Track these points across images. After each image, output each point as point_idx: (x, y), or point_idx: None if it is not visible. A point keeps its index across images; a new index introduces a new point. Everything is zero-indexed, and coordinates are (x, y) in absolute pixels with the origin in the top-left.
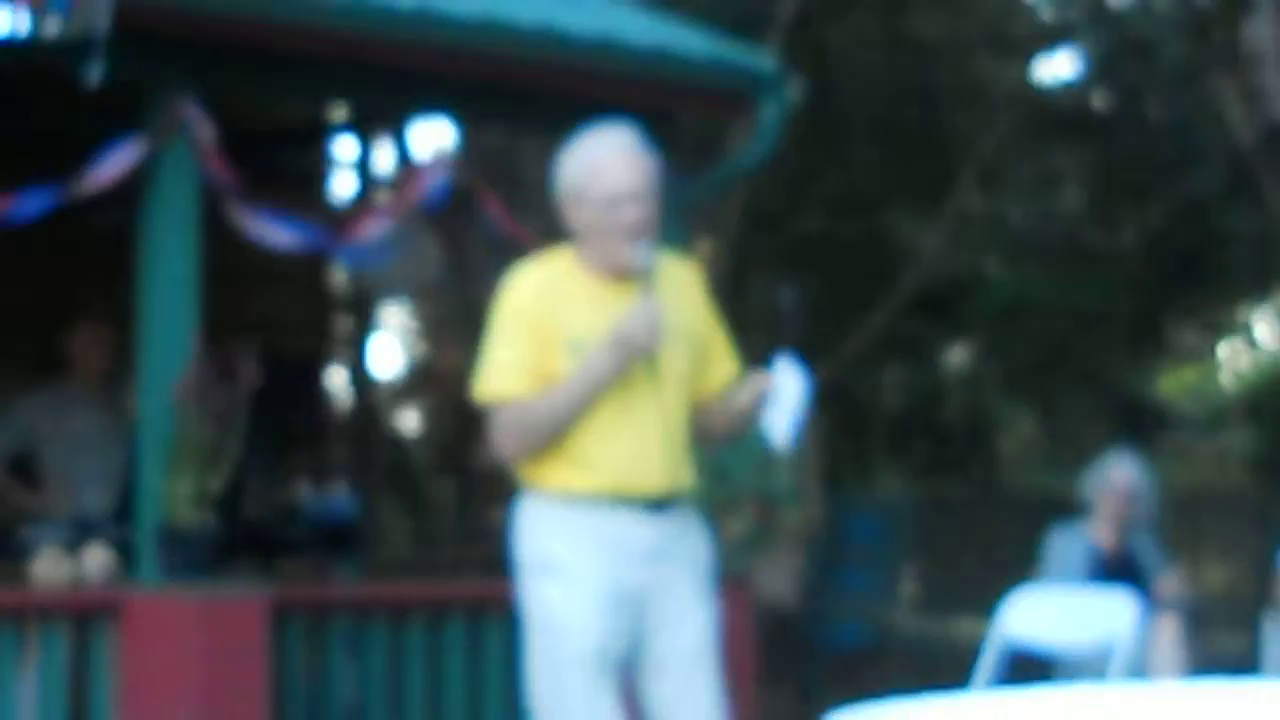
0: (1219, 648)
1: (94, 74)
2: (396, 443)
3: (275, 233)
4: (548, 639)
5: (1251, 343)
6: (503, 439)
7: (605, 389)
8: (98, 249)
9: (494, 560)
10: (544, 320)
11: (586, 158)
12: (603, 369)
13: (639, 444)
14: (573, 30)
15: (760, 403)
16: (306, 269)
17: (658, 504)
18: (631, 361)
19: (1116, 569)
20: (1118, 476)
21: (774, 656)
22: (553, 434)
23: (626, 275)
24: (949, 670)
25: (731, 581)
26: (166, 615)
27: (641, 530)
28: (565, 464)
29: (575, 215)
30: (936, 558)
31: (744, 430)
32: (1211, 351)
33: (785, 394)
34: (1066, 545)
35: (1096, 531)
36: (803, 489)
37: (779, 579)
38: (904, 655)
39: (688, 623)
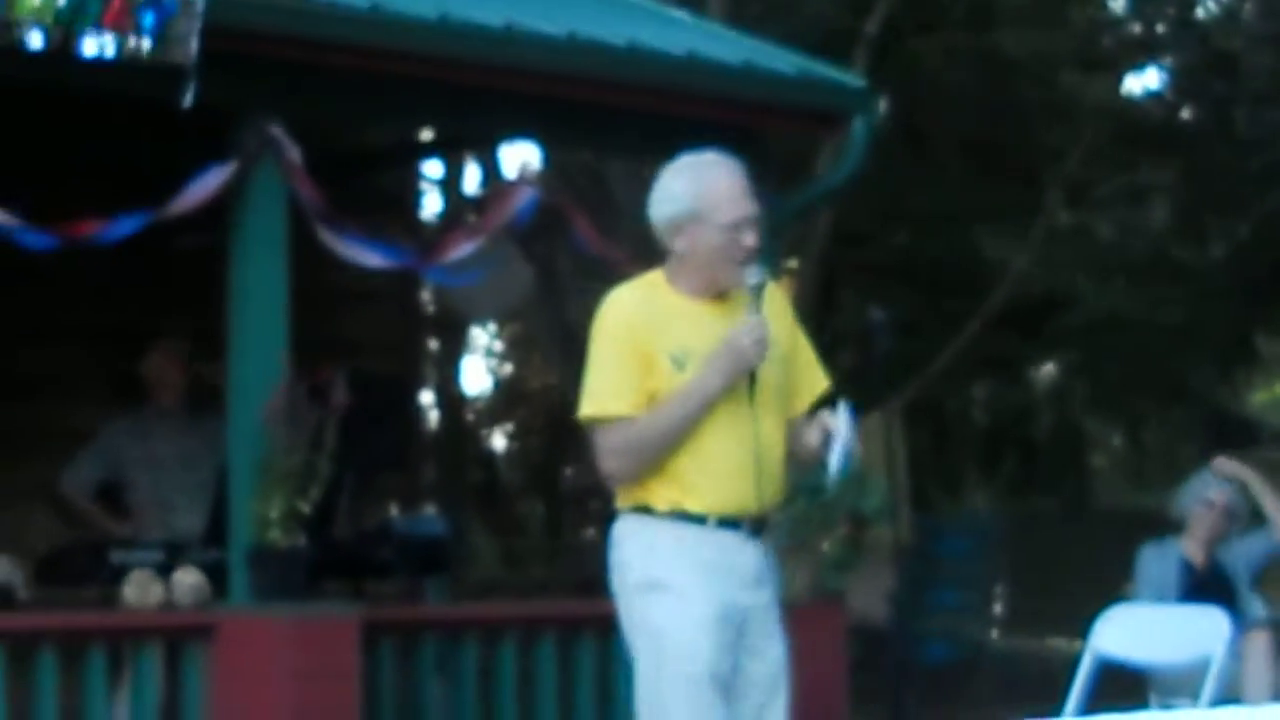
0: None
1: (186, 97)
2: (486, 463)
3: (364, 253)
4: (658, 658)
5: None
6: (611, 459)
7: (710, 406)
8: (185, 271)
9: (584, 580)
10: (644, 337)
11: (707, 183)
12: (713, 383)
13: (739, 465)
14: (661, 50)
15: (826, 441)
16: (397, 290)
17: (757, 526)
18: (738, 376)
19: (1209, 586)
20: (1215, 494)
21: (866, 675)
22: (661, 451)
23: (722, 296)
24: (1042, 688)
25: (825, 600)
26: (258, 636)
27: (746, 552)
28: (672, 485)
29: (692, 239)
30: (1028, 575)
31: (811, 464)
32: None
33: (841, 432)
34: (1159, 563)
35: (1189, 549)
36: (894, 507)
37: (870, 597)
38: (996, 673)
39: (772, 648)
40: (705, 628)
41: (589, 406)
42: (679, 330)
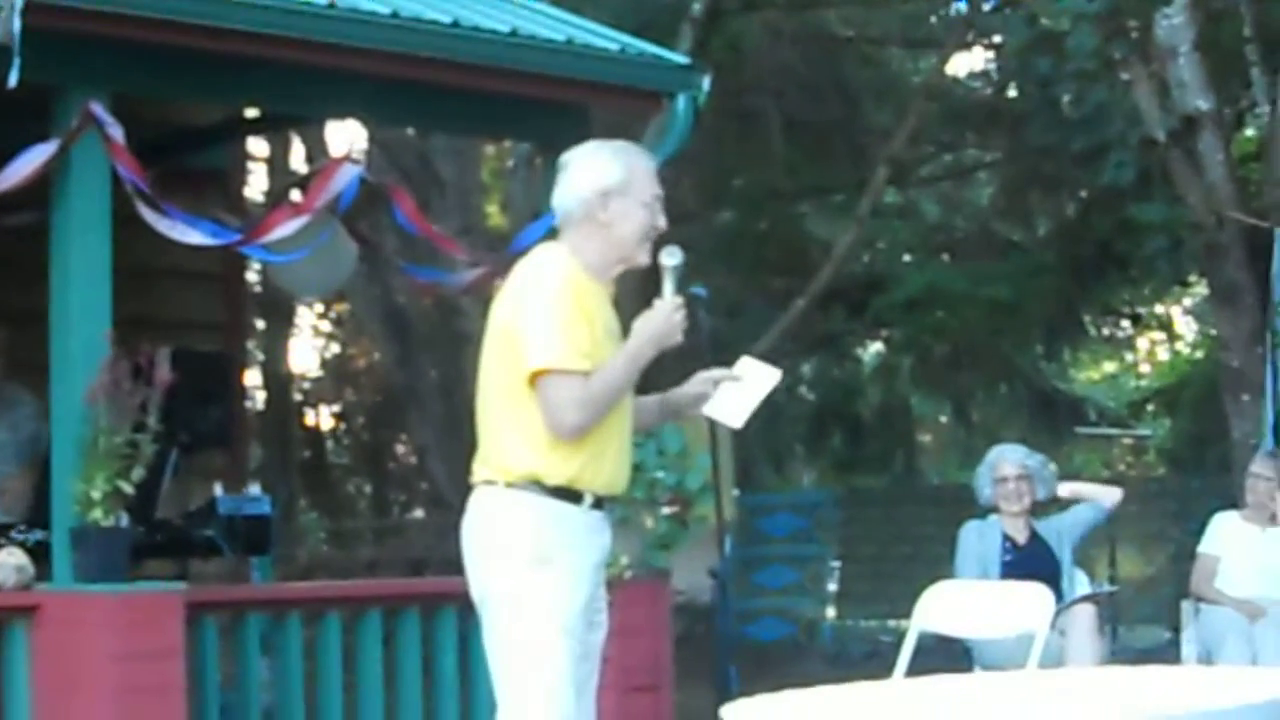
0: (1137, 638)
1: (10, 76)
2: (313, 442)
3: (186, 231)
4: (544, 632)
5: (1169, 334)
6: (577, 411)
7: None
8: (14, 250)
9: (411, 559)
10: (585, 302)
11: (630, 161)
12: (647, 354)
13: (623, 446)
14: (484, 27)
15: (711, 392)
16: (222, 268)
17: (612, 506)
18: (662, 350)
19: (1031, 561)
20: (1003, 466)
21: (693, 651)
22: (608, 412)
23: (608, 283)
24: (872, 664)
25: (650, 576)
26: (81, 616)
27: (605, 532)
28: (571, 461)
29: (618, 210)
30: (860, 552)
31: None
32: (1129, 343)
33: (753, 384)
34: (980, 541)
35: (1007, 526)
36: (719, 484)
37: (698, 575)
38: (828, 650)
39: (605, 620)
40: (584, 604)
41: (551, 358)
42: (602, 306)
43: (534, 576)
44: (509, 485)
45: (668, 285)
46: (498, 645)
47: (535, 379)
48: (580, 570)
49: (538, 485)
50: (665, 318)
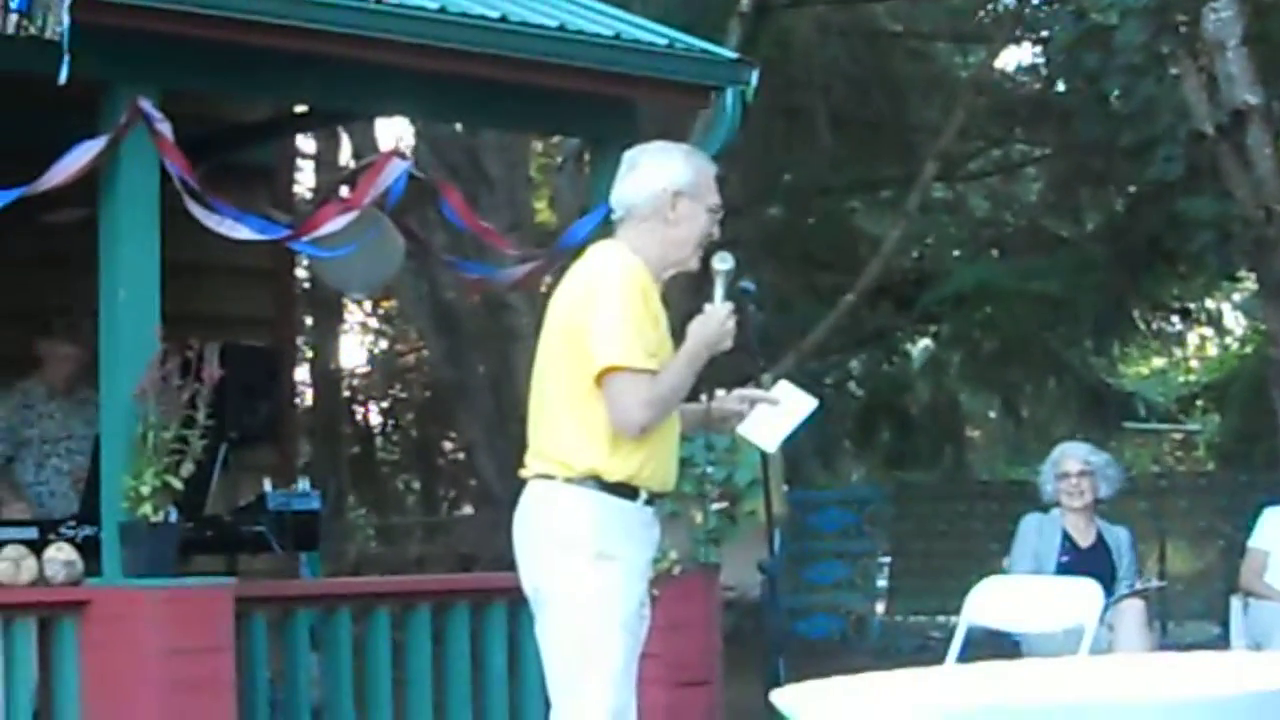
0: (1186, 633)
1: (61, 72)
2: (361, 438)
3: (235, 227)
4: (606, 625)
5: (1218, 329)
6: (645, 410)
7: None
8: (66, 246)
9: (460, 555)
10: (652, 303)
11: (698, 166)
12: (703, 356)
13: (673, 444)
14: (532, 22)
15: (747, 411)
16: (271, 265)
17: (662, 501)
18: (713, 354)
19: (1089, 561)
20: (1066, 462)
21: (743, 647)
22: (667, 414)
23: (660, 283)
24: (921, 659)
25: (699, 571)
26: (131, 611)
27: (656, 527)
28: (631, 458)
29: (685, 211)
30: (910, 548)
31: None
32: (1179, 338)
33: (789, 409)
34: (1039, 535)
35: (1069, 523)
36: (768, 479)
37: (749, 572)
38: (877, 645)
39: (648, 615)
40: (642, 599)
41: (621, 356)
42: (659, 304)
43: (593, 571)
44: (567, 480)
45: (719, 290)
46: (554, 640)
47: (603, 376)
48: (638, 566)
49: (597, 481)
50: (718, 324)
